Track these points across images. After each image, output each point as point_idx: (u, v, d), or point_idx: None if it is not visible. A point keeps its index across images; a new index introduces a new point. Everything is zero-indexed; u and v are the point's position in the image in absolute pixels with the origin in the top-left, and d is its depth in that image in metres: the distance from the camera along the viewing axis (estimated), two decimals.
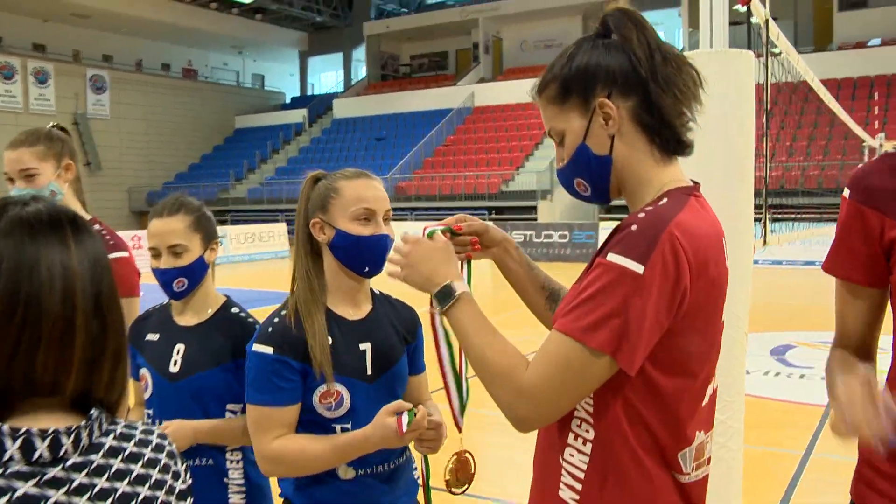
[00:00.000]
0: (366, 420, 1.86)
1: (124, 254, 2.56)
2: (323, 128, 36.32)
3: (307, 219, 1.96)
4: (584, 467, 1.44)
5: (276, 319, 1.91)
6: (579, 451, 1.45)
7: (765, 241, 3.84)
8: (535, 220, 23.36)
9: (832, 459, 5.19)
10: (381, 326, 2.01)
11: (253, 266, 21.18)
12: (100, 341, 1.03)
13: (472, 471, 1.90)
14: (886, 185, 1.55)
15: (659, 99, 1.43)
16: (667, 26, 33.43)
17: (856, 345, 1.71)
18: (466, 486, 1.90)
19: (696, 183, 1.52)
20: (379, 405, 1.86)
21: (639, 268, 1.31)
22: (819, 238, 9.84)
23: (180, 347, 2.22)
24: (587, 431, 1.44)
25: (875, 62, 25.56)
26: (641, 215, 1.38)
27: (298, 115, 37.30)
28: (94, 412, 1.02)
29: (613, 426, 1.41)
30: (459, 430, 1.84)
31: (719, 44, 2.94)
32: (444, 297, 1.52)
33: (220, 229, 22.16)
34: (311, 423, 1.90)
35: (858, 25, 27.43)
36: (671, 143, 1.48)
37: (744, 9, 3.27)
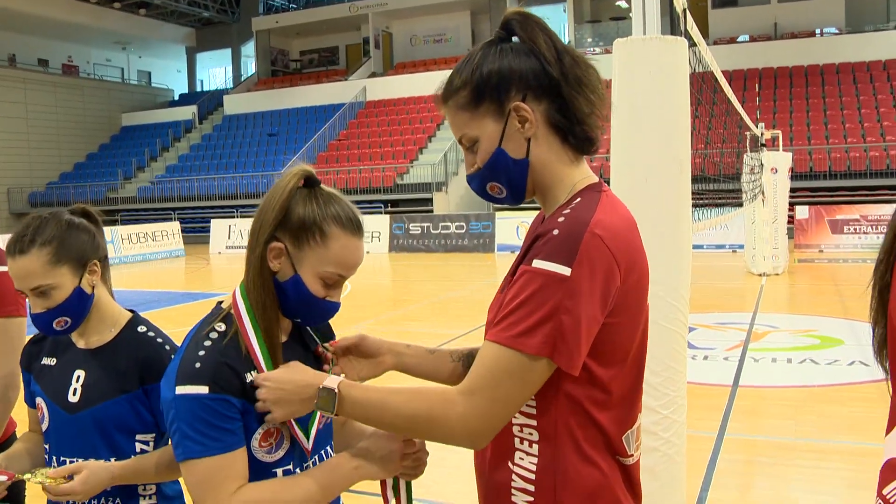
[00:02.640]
0: (305, 460, 1.62)
1: (3, 268, 2.24)
2: (214, 124, 35.66)
3: (275, 227, 1.56)
4: (534, 468, 1.45)
5: (201, 352, 1.50)
6: (527, 454, 1.45)
7: None
8: (432, 211, 23.77)
9: (743, 439, 5.48)
10: (305, 346, 1.72)
11: (147, 266, 20.80)
12: None
13: None
14: None
15: (573, 100, 1.44)
16: (552, 21, 34.41)
17: None
18: None
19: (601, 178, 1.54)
20: (316, 439, 1.64)
21: (566, 270, 1.32)
22: (720, 223, 10.37)
23: (80, 374, 1.92)
24: (531, 434, 1.44)
25: (745, 56, 27.20)
26: (561, 219, 1.38)
27: (188, 112, 36.48)
28: None
29: (558, 423, 1.43)
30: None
31: (653, 30, 2.84)
32: (326, 401, 1.43)
33: (110, 230, 21.54)
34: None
35: (730, 22, 29.04)
36: (583, 142, 1.49)
37: None
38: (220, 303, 1.64)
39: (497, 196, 1.52)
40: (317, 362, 1.70)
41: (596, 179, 1.51)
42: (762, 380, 7.09)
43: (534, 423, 1.44)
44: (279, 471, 1.58)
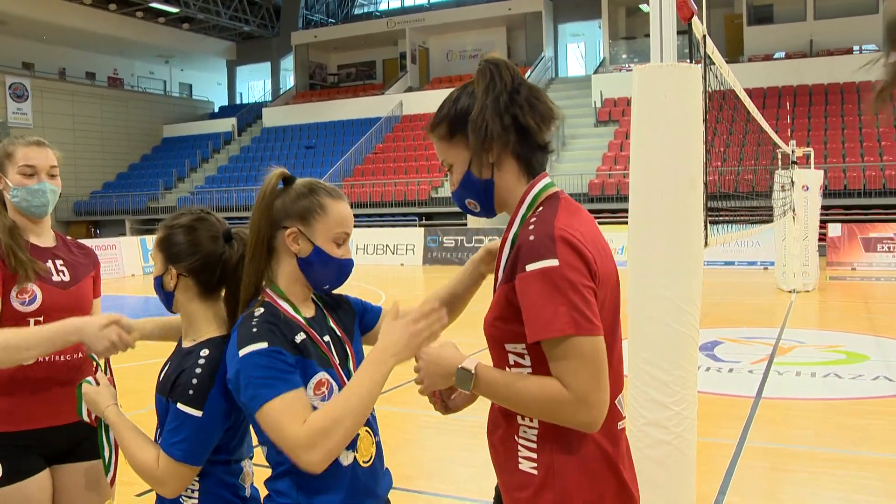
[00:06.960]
0: None
1: None
2: (252, 136, 36.34)
3: (273, 221, 1.91)
4: (535, 438, 1.68)
5: (253, 322, 1.80)
6: (529, 427, 1.69)
7: (706, 244, 3.87)
8: (465, 225, 24.00)
9: (763, 447, 5.62)
10: (329, 321, 1.99)
11: None
12: None
13: None
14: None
15: (529, 125, 1.72)
16: (588, 37, 34.60)
17: None
18: None
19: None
20: None
21: (554, 262, 1.57)
22: (744, 239, 10.45)
23: (168, 364, 2.05)
24: None
25: (780, 74, 27.13)
26: (531, 227, 1.65)
27: (227, 124, 37.25)
28: None
29: None
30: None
31: (669, 58, 3.08)
32: (463, 380, 1.68)
33: (150, 238, 22.10)
34: None
35: (766, 39, 29.01)
36: (537, 166, 1.78)
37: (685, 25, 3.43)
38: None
39: (473, 210, 1.84)
40: (343, 327, 2.01)
41: (554, 190, 1.78)
42: (786, 392, 7.22)
43: None
44: None
